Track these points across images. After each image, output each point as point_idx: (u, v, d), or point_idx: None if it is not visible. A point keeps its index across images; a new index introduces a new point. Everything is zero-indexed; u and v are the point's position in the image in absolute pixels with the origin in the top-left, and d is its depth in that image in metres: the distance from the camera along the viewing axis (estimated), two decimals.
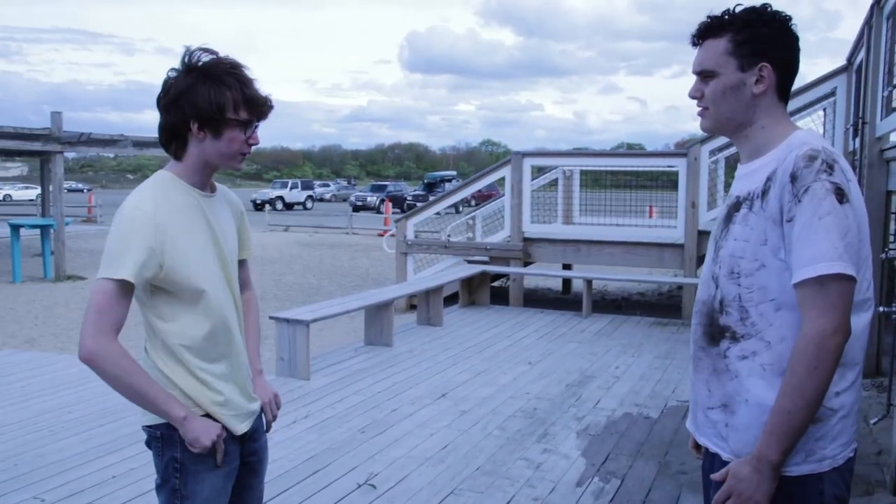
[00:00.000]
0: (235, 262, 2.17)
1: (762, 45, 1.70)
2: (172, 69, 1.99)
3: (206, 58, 1.97)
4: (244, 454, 2.18)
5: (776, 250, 1.63)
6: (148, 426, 2.04)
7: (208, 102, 1.92)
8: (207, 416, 2.04)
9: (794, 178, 1.59)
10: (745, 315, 1.69)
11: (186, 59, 1.97)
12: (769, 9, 1.72)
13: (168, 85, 1.97)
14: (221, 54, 2.01)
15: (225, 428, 2.06)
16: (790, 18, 1.72)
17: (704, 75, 1.76)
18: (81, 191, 54.67)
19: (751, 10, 1.72)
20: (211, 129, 1.95)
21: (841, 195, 1.57)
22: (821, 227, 1.55)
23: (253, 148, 2.05)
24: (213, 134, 1.96)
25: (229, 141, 1.98)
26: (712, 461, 1.80)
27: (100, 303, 1.87)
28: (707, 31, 1.75)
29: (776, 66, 1.71)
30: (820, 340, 1.55)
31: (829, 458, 1.66)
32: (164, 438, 2.02)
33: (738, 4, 1.74)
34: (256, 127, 2.04)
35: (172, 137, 2.00)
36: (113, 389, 1.94)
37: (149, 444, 2.07)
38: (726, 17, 1.73)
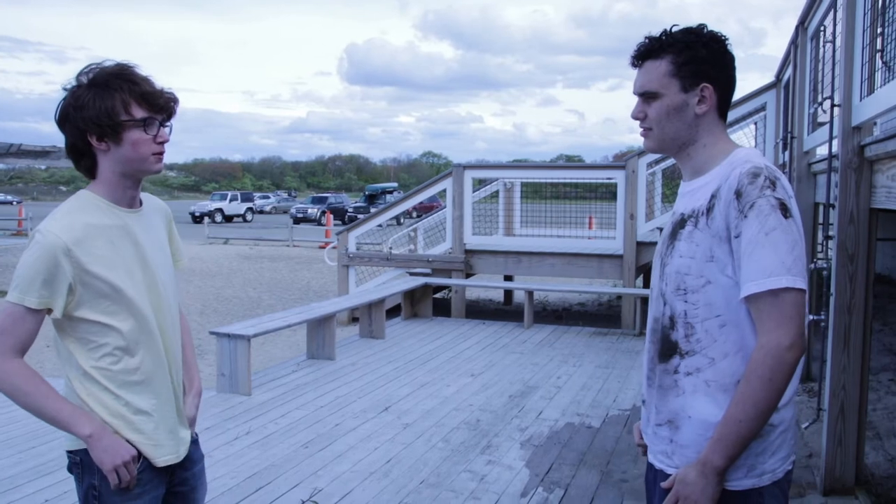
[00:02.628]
0: (171, 282, 2.10)
1: (703, 66, 1.73)
2: (63, 88, 1.93)
3: (91, 70, 1.91)
4: (173, 483, 2.10)
5: (723, 267, 1.66)
6: (69, 451, 1.98)
7: (97, 110, 1.85)
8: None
9: (738, 194, 1.62)
10: (691, 331, 1.72)
11: (76, 76, 1.91)
12: (706, 30, 1.76)
13: (59, 104, 1.91)
14: (111, 63, 1.93)
15: (146, 457, 1.98)
16: (727, 39, 1.76)
17: (647, 96, 1.77)
18: (11, 203, 52.99)
19: (689, 32, 1.75)
20: (109, 137, 1.89)
21: (785, 210, 1.61)
22: (769, 242, 1.58)
23: (166, 145, 1.96)
24: (114, 141, 1.89)
25: (133, 144, 1.90)
26: (656, 475, 1.83)
27: (2, 323, 1.85)
28: (647, 52, 1.77)
29: (716, 86, 1.75)
30: (777, 352, 1.57)
31: (769, 472, 1.71)
32: (83, 464, 1.95)
33: (675, 25, 1.78)
34: (162, 123, 1.95)
35: (80, 156, 1.94)
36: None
37: (70, 469, 2.00)
38: (665, 38, 1.75)
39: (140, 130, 1.90)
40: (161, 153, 1.97)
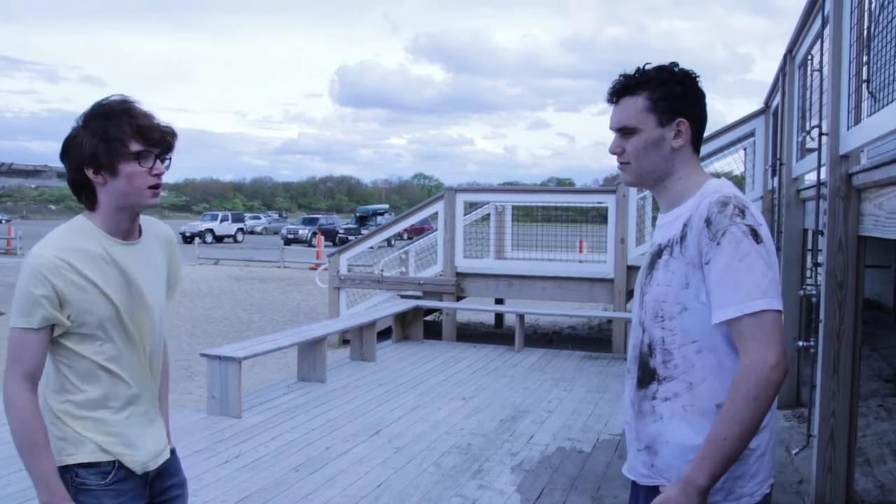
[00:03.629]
0: (159, 313, 2.12)
1: (678, 101, 1.81)
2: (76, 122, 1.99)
3: (93, 105, 1.96)
4: (152, 495, 2.15)
5: (698, 293, 1.72)
6: None
7: (94, 144, 1.90)
8: (104, 451, 2.00)
9: (708, 222, 1.68)
10: (669, 357, 1.77)
11: (83, 113, 1.97)
12: (678, 68, 1.84)
13: (64, 142, 1.97)
14: (116, 98, 1.98)
15: (124, 467, 2.03)
16: (698, 77, 1.85)
17: (625, 132, 1.84)
18: (0, 222, 52.72)
19: (663, 70, 1.83)
20: (106, 170, 1.93)
21: (756, 236, 1.67)
22: (743, 267, 1.63)
23: (163, 178, 2.00)
24: (110, 174, 1.93)
25: (129, 177, 1.93)
26: (638, 495, 1.87)
27: (13, 351, 1.91)
28: (623, 89, 1.84)
29: (691, 120, 1.82)
30: (761, 371, 1.60)
31: (747, 495, 1.74)
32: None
33: (648, 63, 1.85)
34: (159, 157, 1.98)
35: (80, 189, 1.98)
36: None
37: None
38: (641, 76, 1.82)
39: (135, 163, 1.94)
40: (157, 186, 2.00)
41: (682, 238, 1.74)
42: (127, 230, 2.03)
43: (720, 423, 1.65)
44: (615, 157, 1.88)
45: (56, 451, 1.99)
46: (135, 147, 1.93)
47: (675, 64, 1.85)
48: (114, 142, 1.90)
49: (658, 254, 1.81)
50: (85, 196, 1.99)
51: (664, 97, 1.80)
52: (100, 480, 2.00)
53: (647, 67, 1.83)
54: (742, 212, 1.68)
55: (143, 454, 2.09)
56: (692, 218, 1.73)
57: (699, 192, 1.79)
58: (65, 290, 1.89)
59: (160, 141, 1.98)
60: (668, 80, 1.80)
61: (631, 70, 1.84)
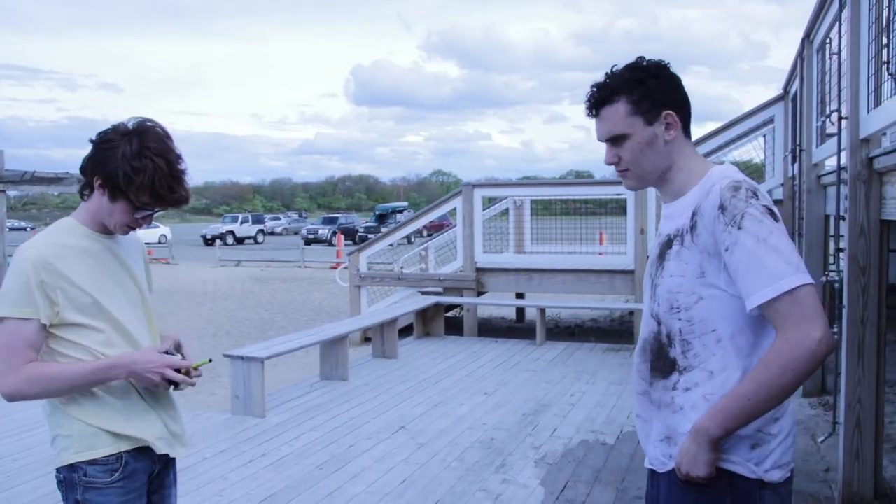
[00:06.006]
0: (143, 296, 2.21)
1: (658, 96, 1.78)
2: (121, 123, 2.04)
3: (150, 135, 2.01)
4: (150, 490, 2.19)
5: (715, 280, 1.70)
6: (56, 469, 2.09)
7: (115, 171, 1.97)
8: (116, 440, 2.05)
9: (722, 208, 1.66)
10: (688, 347, 1.75)
11: (132, 125, 2.02)
12: (646, 62, 1.81)
13: (103, 134, 2.04)
14: (167, 134, 2.05)
15: (131, 462, 2.07)
16: (668, 63, 1.82)
17: (616, 140, 1.82)
18: (25, 229, 53.27)
19: (635, 69, 1.80)
20: (109, 191, 2.01)
21: (774, 215, 1.66)
22: (770, 246, 1.61)
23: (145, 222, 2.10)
24: (110, 196, 2.02)
25: (120, 211, 2.04)
26: (658, 484, 1.86)
27: (5, 343, 1.96)
28: (601, 100, 1.81)
29: (676, 109, 1.80)
30: (805, 345, 1.57)
31: (767, 479, 1.72)
32: (66, 482, 2.06)
33: (615, 65, 1.82)
34: (154, 212, 2.08)
35: (84, 176, 2.06)
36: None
37: (59, 487, 2.11)
38: (613, 82, 1.79)
39: (131, 207, 2.03)
40: (134, 228, 2.11)
41: (693, 227, 1.72)
42: (105, 228, 2.12)
43: (748, 382, 1.63)
44: (613, 167, 1.87)
45: (63, 449, 2.04)
46: (143, 199, 2.01)
47: (642, 58, 1.82)
48: (131, 185, 1.98)
49: (668, 244, 1.79)
50: (86, 184, 2.07)
51: (644, 96, 1.77)
52: (107, 477, 2.04)
53: (616, 70, 1.81)
54: (755, 193, 1.67)
55: (157, 429, 2.13)
56: (701, 206, 1.71)
57: (704, 179, 1.78)
58: (51, 282, 1.96)
59: (168, 206, 2.08)
60: (643, 78, 1.78)
61: (600, 78, 1.82)
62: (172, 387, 2.10)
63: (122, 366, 2.01)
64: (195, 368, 2.12)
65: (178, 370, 2.06)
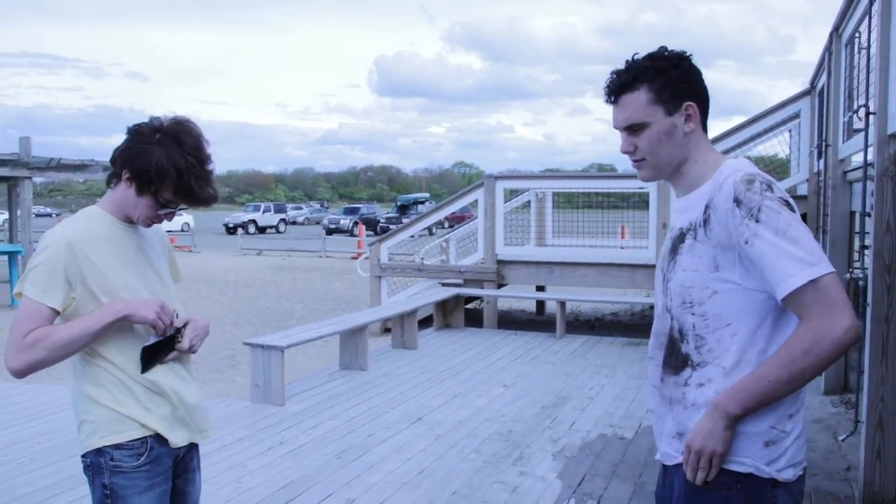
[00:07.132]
0: (166, 281, 2.25)
1: (680, 86, 1.76)
2: (157, 118, 2.08)
3: (184, 136, 2.04)
4: (175, 475, 2.22)
5: (730, 275, 1.68)
6: (82, 455, 2.12)
7: (147, 168, 2.01)
8: (142, 426, 2.08)
9: (738, 201, 1.64)
10: (701, 343, 1.74)
11: (168, 123, 2.06)
12: (668, 52, 1.79)
13: (138, 126, 2.08)
14: (201, 134, 2.08)
15: (156, 446, 2.11)
16: (691, 55, 1.80)
17: (634, 128, 1.79)
18: (50, 216, 53.94)
19: (657, 58, 1.77)
20: (137, 186, 2.05)
21: (790, 207, 1.64)
22: (790, 238, 1.60)
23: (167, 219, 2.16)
24: (137, 191, 2.05)
25: (145, 206, 2.08)
26: (672, 477, 1.84)
27: (22, 315, 2.00)
28: (621, 87, 1.79)
29: (697, 101, 1.78)
30: (831, 333, 1.56)
31: (780, 478, 1.71)
32: (93, 466, 2.09)
33: (636, 54, 1.80)
34: (177, 210, 2.13)
35: (114, 167, 2.10)
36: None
37: (85, 472, 2.13)
38: (635, 69, 1.77)
39: (156, 203, 2.08)
40: (153, 223, 2.16)
41: (706, 221, 1.70)
42: (129, 218, 2.15)
43: (769, 365, 1.63)
44: (628, 156, 1.85)
45: (90, 434, 2.07)
46: (168, 196, 2.06)
47: (664, 48, 1.80)
48: (159, 184, 2.02)
49: (680, 238, 1.77)
50: (114, 173, 2.10)
51: (666, 85, 1.75)
52: (133, 461, 2.07)
53: (638, 58, 1.78)
54: (770, 186, 1.66)
55: (187, 395, 2.17)
56: (714, 199, 1.69)
57: (716, 173, 1.75)
58: (74, 266, 2.00)
59: (192, 205, 2.12)
60: (666, 67, 1.75)
61: (621, 66, 1.79)
62: (168, 351, 2.13)
63: (117, 302, 2.03)
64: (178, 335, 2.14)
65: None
